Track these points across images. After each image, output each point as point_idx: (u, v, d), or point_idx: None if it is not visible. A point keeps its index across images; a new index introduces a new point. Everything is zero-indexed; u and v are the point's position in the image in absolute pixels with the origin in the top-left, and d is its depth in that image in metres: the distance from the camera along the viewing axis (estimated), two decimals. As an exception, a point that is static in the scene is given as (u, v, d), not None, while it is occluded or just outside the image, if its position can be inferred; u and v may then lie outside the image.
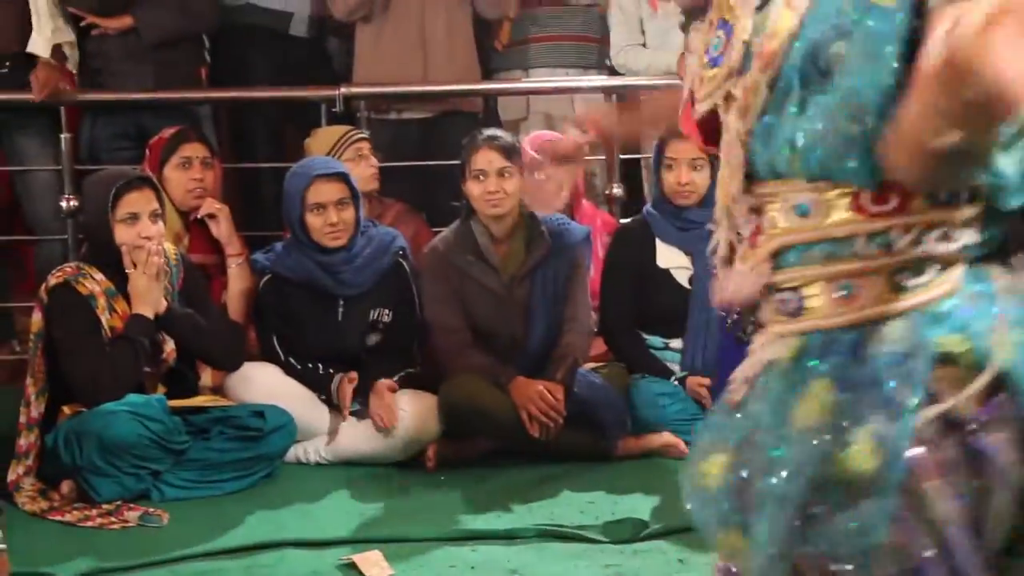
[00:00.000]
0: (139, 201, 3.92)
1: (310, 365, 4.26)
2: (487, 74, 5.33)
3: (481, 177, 4.18)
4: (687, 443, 4.17)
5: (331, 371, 4.22)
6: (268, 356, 4.35)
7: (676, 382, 4.35)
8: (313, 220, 4.21)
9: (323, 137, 4.68)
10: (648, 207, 4.49)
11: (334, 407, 4.26)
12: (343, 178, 4.25)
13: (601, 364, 4.33)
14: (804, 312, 1.66)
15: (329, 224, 4.21)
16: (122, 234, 3.87)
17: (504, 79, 5.32)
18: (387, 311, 4.35)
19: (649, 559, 3.45)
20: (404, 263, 4.35)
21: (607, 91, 5.23)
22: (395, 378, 4.23)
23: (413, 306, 4.36)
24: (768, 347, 1.72)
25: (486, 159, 4.19)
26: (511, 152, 4.23)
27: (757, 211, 1.70)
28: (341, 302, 4.33)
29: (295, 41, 5.21)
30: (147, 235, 3.89)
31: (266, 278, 4.36)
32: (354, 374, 4.19)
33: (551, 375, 4.09)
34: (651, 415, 4.22)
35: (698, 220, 4.29)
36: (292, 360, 4.28)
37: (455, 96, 5.12)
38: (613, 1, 5.19)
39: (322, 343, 4.29)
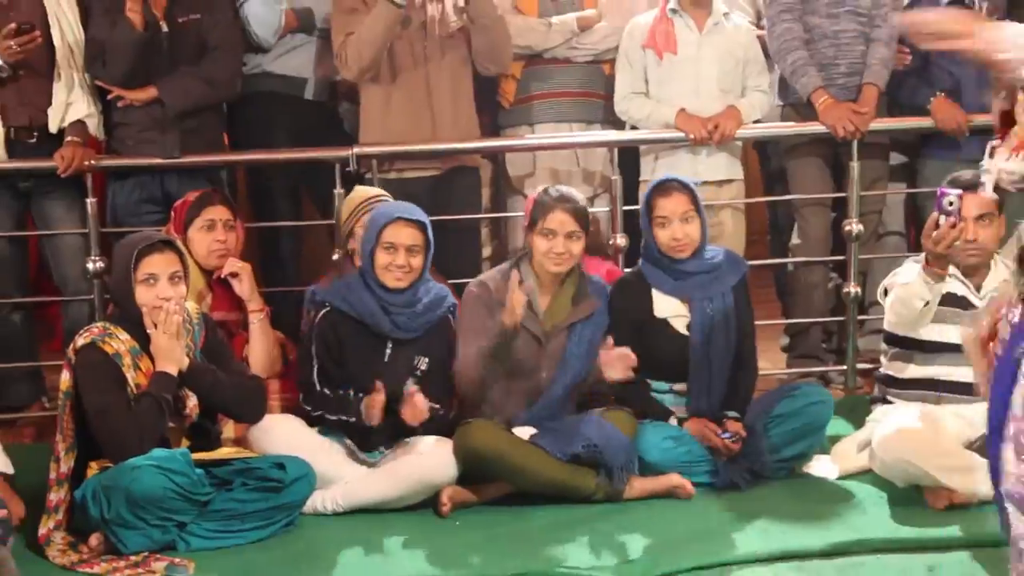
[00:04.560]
0: (159, 263, 3.95)
1: (340, 392, 4.26)
2: (495, 130, 5.37)
3: (550, 236, 4.23)
4: (695, 484, 4.19)
5: (360, 395, 4.22)
6: (303, 384, 4.35)
7: (676, 421, 4.34)
8: (381, 256, 4.24)
9: (348, 200, 4.75)
10: (643, 260, 4.53)
11: (351, 457, 4.25)
12: (421, 227, 4.29)
13: (609, 408, 4.31)
14: None
15: (396, 264, 4.23)
16: (141, 295, 3.91)
17: (511, 135, 5.36)
18: (426, 360, 4.35)
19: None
20: (452, 320, 4.38)
21: (610, 145, 5.24)
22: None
23: (450, 362, 4.35)
24: None
25: (558, 220, 4.24)
26: (581, 216, 4.28)
27: None
28: (390, 344, 4.33)
29: (309, 105, 5.30)
30: (164, 296, 3.92)
31: (324, 311, 4.35)
32: (379, 387, 4.15)
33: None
34: (658, 458, 4.21)
35: (693, 270, 4.43)
36: (326, 391, 4.28)
37: (462, 153, 5.17)
38: (620, 49, 5.20)
39: (366, 379, 4.23)
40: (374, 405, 4.13)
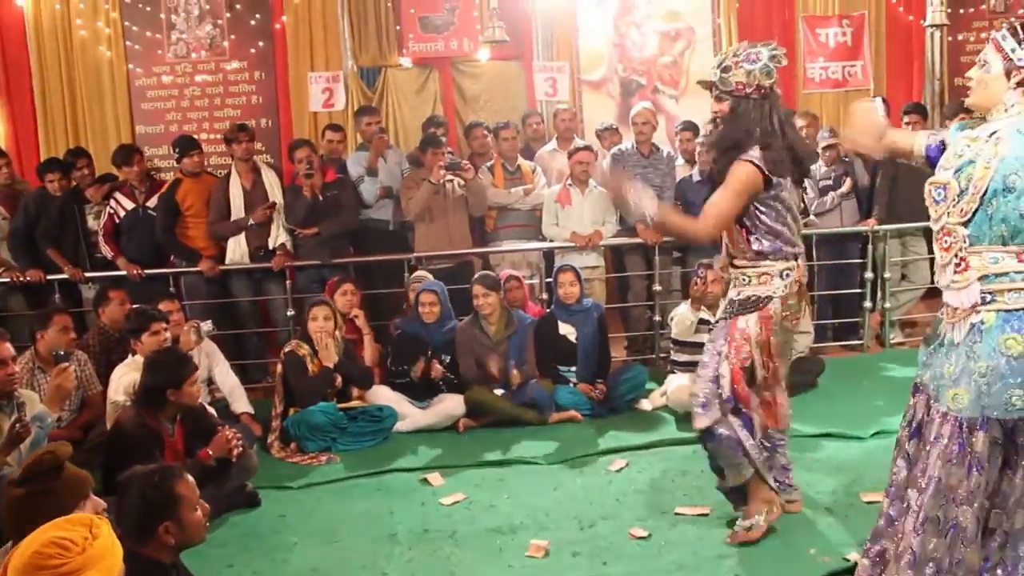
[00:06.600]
0: (319, 312, 4.07)
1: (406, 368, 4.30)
2: (483, 242, 5.22)
3: (477, 297, 4.29)
4: (582, 415, 4.19)
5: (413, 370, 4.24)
6: (392, 372, 4.34)
7: (572, 385, 4.35)
8: (421, 308, 4.33)
9: (412, 279, 4.77)
10: (553, 306, 4.55)
11: (411, 404, 4.22)
12: (435, 292, 4.35)
13: (539, 379, 4.30)
14: (996, 302, 1.86)
15: (428, 311, 4.31)
16: (311, 327, 4.04)
17: (492, 245, 5.22)
18: (447, 357, 4.35)
19: (565, 471, 3.59)
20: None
21: (540, 250, 5.10)
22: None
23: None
24: (974, 317, 1.88)
25: (479, 287, 4.30)
26: (491, 283, 4.32)
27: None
28: (430, 349, 4.33)
29: (391, 232, 5.18)
30: (323, 329, 4.03)
31: (398, 332, 4.38)
32: (436, 365, 4.25)
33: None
34: (564, 402, 4.24)
35: (576, 310, 4.39)
36: (404, 368, 4.28)
37: (464, 255, 5.12)
38: (544, 203, 5.06)
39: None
40: (436, 372, 4.22)
